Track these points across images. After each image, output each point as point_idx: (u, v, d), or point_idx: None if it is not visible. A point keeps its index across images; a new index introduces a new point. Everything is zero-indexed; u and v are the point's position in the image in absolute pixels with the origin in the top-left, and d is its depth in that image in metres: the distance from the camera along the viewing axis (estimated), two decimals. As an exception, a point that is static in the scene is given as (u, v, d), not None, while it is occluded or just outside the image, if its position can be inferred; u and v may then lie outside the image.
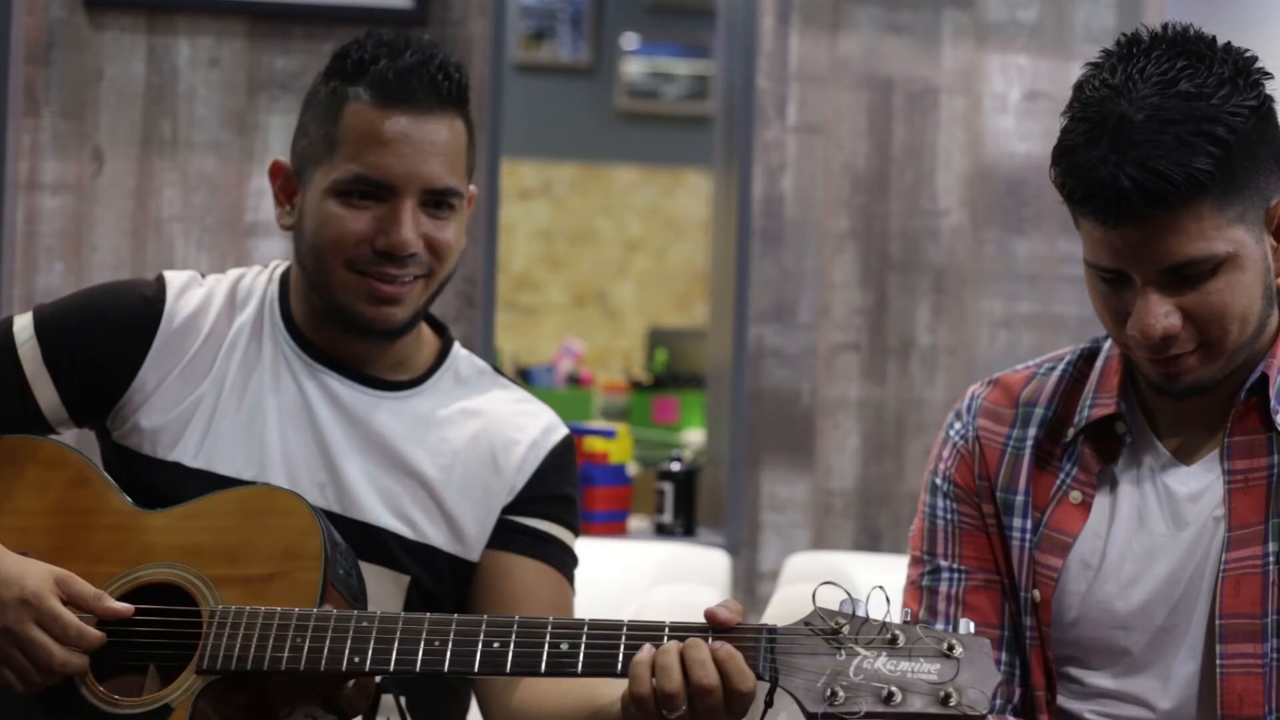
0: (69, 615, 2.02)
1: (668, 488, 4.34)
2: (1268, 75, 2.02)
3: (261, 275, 2.32)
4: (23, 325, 2.26)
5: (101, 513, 2.16)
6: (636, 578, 3.02)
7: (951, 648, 1.76)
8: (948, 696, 1.74)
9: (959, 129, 4.45)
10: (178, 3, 4.13)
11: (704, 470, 4.61)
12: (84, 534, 2.14)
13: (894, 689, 1.74)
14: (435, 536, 2.25)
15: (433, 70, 2.18)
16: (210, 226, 4.16)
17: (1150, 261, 1.98)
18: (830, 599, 1.83)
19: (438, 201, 2.19)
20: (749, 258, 4.38)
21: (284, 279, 2.30)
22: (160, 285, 2.28)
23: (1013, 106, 4.47)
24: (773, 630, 1.83)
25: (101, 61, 4.15)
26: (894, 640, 1.77)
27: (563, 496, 2.32)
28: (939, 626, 1.80)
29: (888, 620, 1.79)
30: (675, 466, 4.35)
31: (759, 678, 1.83)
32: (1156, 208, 1.94)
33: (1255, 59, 2.01)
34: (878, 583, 1.87)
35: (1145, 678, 2.10)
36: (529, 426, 2.30)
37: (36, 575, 2.03)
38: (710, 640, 1.85)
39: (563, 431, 2.33)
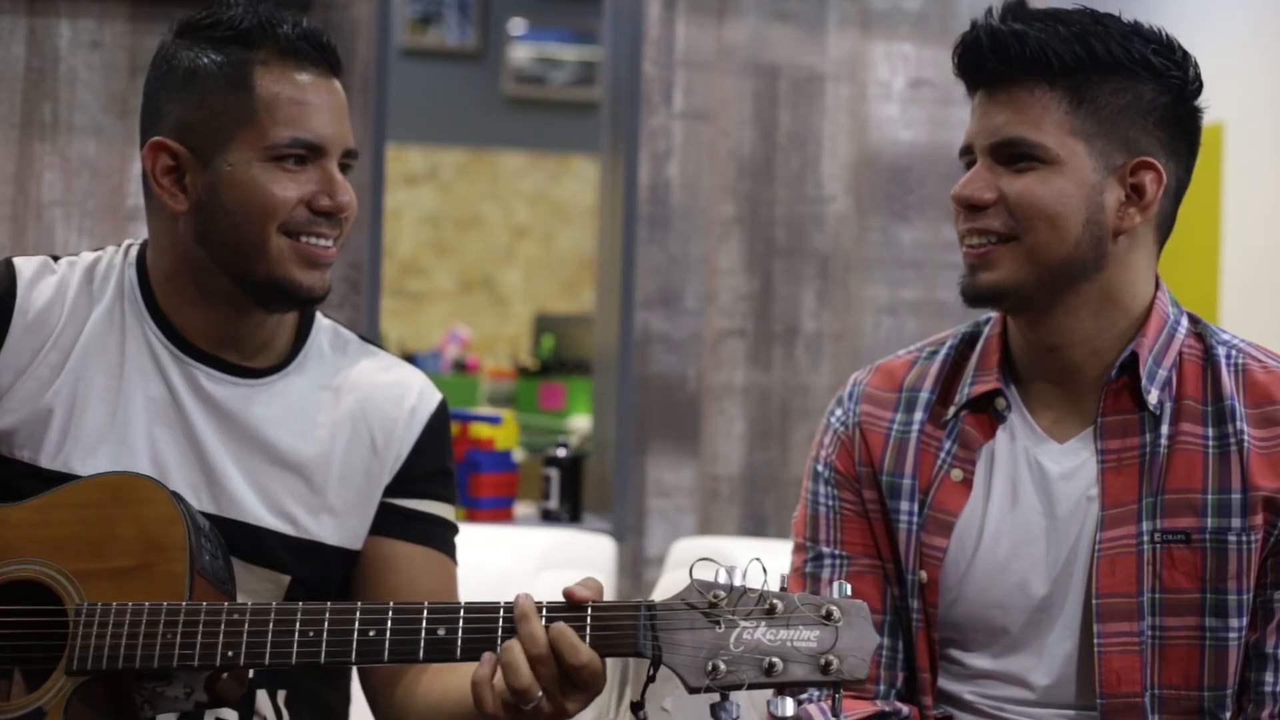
0: None
1: (554, 474, 4.34)
2: (1193, 67, 2.08)
3: (117, 256, 2.22)
4: None
5: None
6: (522, 564, 3.01)
7: (829, 614, 1.75)
8: (828, 664, 1.73)
9: (844, 116, 4.48)
10: (58, -16, 4.09)
11: (590, 456, 4.62)
12: None
13: (775, 659, 1.74)
14: (319, 531, 2.18)
15: (321, 35, 2.15)
16: (92, 211, 4.11)
17: (986, 132, 2.07)
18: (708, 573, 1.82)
19: (345, 164, 2.16)
20: (635, 244, 4.39)
21: (140, 260, 2.20)
22: (10, 276, 2.16)
23: (897, 94, 4.50)
24: (651, 606, 1.81)
25: (-20, 43, 4.10)
26: (772, 610, 1.76)
27: (440, 471, 2.27)
28: (815, 592, 1.80)
29: (765, 589, 1.77)
30: (561, 452, 4.36)
31: (639, 655, 1.81)
32: (1002, 62, 2.04)
33: (1187, 54, 2.08)
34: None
35: (1022, 656, 2.12)
36: (403, 399, 2.25)
37: None
38: (589, 617, 1.83)
39: (436, 399, 2.28)
